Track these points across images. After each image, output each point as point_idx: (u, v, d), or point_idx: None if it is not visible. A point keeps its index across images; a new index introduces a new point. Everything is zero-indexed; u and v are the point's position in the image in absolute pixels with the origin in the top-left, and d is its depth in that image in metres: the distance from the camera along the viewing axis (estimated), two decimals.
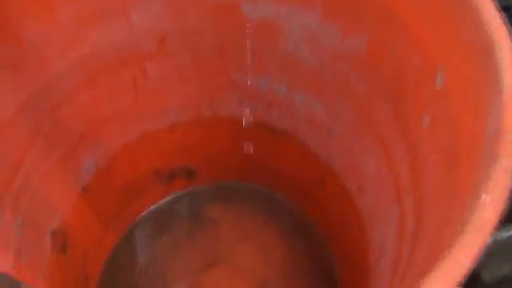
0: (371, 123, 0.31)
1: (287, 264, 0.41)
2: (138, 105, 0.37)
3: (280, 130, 0.40)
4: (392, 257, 0.24)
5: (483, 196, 0.12)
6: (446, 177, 0.19)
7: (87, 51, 0.31)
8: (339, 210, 0.38)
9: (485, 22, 0.17)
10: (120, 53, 0.33)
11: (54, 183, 0.32)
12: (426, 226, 0.19)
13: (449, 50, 0.20)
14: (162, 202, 0.45)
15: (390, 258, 0.24)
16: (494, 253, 0.39)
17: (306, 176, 0.41)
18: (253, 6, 0.31)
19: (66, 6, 0.28)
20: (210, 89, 0.38)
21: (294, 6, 0.30)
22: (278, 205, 0.44)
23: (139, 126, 0.38)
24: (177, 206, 0.45)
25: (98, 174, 0.37)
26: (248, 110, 0.40)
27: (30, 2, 0.26)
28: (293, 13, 0.30)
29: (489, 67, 0.17)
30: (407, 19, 0.24)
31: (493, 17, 0.17)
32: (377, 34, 0.27)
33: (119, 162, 0.39)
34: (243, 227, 0.43)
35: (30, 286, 0.27)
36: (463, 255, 0.11)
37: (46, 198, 0.31)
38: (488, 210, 0.11)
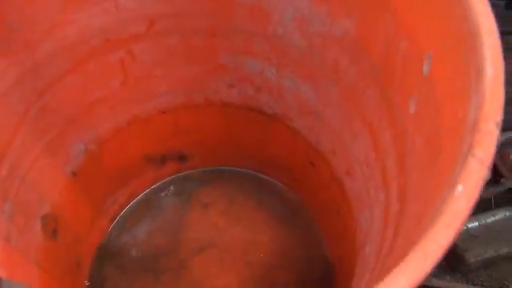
0: (360, 107, 0.30)
1: (277, 248, 0.41)
2: (128, 89, 0.36)
3: (270, 113, 0.40)
4: (377, 244, 0.24)
5: (458, 186, 0.11)
6: (429, 163, 0.19)
7: (72, 35, 0.30)
8: (329, 194, 0.38)
9: (472, 11, 0.17)
10: (107, 35, 0.32)
11: (42, 168, 0.32)
12: (408, 213, 0.19)
13: (436, 37, 0.20)
14: (154, 186, 0.45)
15: (374, 245, 0.25)
16: (478, 236, 0.39)
17: (296, 159, 0.42)
18: None
19: None
20: (200, 72, 0.38)
21: None
22: (269, 189, 0.45)
23: (129, 110, 0.38)
24: (168, 190, 0.45)
25: (88, 158, 0.37)
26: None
27: None
28: None
29: (473, 56, 0.16)
30: (396, 4, 0.23)
31: (481, 6, 0.16)
32: (366, 18, 0.26)
33: (110, 147, 0.38)
34: (234, 211, 0.43)
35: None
36: (431, 249, 0.11)
37: (35, 183, 0.31)
38: (460, 202, 0.11)
